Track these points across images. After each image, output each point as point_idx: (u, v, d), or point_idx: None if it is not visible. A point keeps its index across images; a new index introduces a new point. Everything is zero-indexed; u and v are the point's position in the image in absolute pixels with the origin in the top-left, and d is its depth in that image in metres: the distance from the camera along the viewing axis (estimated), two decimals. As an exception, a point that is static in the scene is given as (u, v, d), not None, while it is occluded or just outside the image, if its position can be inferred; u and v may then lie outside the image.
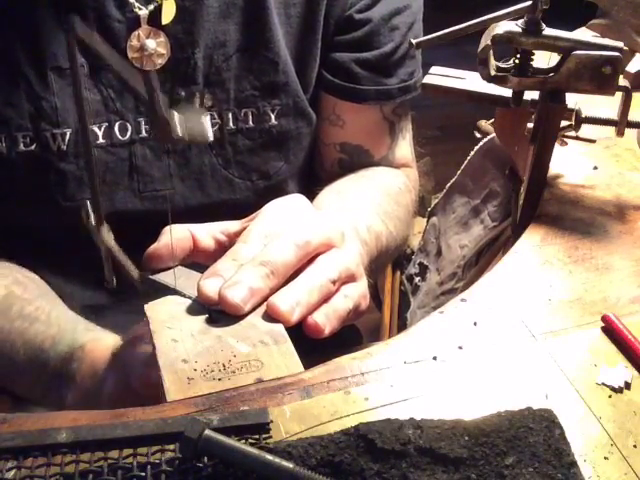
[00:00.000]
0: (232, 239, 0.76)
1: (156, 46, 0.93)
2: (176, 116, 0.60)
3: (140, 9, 0.92)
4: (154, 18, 0.93)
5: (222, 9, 0.97)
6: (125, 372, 0.75)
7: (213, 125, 0.99)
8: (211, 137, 0.64)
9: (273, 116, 1.02)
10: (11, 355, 0.88)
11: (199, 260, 0.76)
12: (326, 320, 0.69)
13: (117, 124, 0.96)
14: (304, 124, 1.06)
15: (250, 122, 1.01)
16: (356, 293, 0.75)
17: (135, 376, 0.73)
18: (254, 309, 0.68)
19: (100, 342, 0.85)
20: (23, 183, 0.95)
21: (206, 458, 0.53)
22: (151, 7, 0.93)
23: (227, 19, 0.97)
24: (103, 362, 0.81)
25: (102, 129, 0.95)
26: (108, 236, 0.69)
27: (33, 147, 0.93)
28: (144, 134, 0.97)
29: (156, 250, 0.74)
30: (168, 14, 0.93)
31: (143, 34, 0.93)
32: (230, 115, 1.00)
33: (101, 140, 0.95)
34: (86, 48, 0.89)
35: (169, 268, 0.74)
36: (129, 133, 0.96)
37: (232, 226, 0.78)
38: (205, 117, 0.63)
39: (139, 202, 0.99)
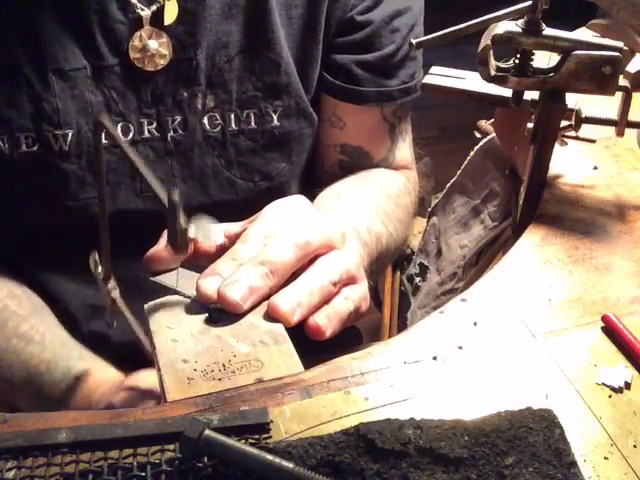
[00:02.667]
0: (233, 240, 0.76)
1: (158, 47, 0.94)
2: (192, 227, 0.64)
3: (142, 10, 0.93)
4: (156, 19, 0.93)
5: (224, 10, 0.97)
6: None
7: (216, 126, 0.99)
8: (220, 240, 0.73)
9: (275, 117, 1.02)
10: (7, 374, 0.89)
11: (200, 261, 0.76)
12: (327, 322, 0.69)
13: (119, 125, 0.96)
14: (306, 125, 1.06)
15: (252, 123, 1.01)
16: (357, 295, 0.75)
17: None
18: (253, 308, 0.68)
19: (94, 376, 0.87)
20: (25, 183, 0.95)
21: (206, 458, 0.53)
22: (153, 8, 0.93)
23: (229, 20, 0.97)
24: (97, 398, 0.83)
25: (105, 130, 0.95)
26: (115, 292, 0.71)
27: (35, 148, 0.93)
28: (146, 135, 0.97)
29: (156, 252, 0.74)
30: (170, 15, 0.94)
31: (145, 35, 0.93)
32: (232, 116, 1.00)
33: (103, 141, 0.95)
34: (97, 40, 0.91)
35: (170, 270, 0.74)
36: (132, 134, 0.97)
37: (233, 227, 0.78)
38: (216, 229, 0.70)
39: (141, 202, 0.99)
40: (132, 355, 0.83)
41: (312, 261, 0.73)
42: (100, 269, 0.71)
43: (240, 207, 0.84)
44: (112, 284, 0.71)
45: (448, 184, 1.21)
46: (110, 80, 0.94)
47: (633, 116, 0.82)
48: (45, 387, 0.87)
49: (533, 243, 0.79)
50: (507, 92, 0.86)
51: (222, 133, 1.00)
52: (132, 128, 0.97)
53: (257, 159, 1.03)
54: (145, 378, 0.82)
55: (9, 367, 0.89)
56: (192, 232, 0.64)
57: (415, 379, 0.62)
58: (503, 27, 0.78)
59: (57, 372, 0.87)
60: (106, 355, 0.93)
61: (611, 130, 0.83)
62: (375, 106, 1.09)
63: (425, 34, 0.85)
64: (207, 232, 0.68)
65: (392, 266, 1.37)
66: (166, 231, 0.75)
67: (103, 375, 0.87)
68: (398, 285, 1.34)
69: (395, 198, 1.09)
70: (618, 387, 0.62)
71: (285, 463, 0.51)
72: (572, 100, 0.81)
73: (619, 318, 0.67)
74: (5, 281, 0.97)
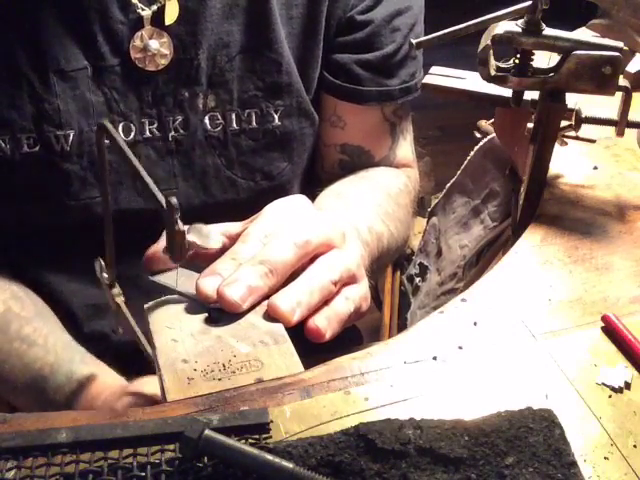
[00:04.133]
0: (233, 240, 0.76)
1: (159, 46, 0.94)
2: (190, 234, 0.66)
3: (143, 10, 0.93)
4: (157, 19, 0.93)
5: (225, 10, 0.97)
6: None
7: (217, 126, 0.99)
8: (218, 245, 0.73)
9: (276, 117, 1.02)
10: (10, 376, 0.89)
11: (200, 261, 0.76)
12: (327, 324, 0.69)
13: (121, 125, 0.96)
14: (307, 125, 1.06)
15: (253, 123, 1.01)
16: (357, 295, 0.75)
17: None
18: (252, 307, 0.68)
19: (97, 381, 0.87)
20: (27, 184, 0.95)
21: (206, 458, 0.53)
22: (154, 8, 0.93)
23: (230, 20, 0.97)
24: (100, 403, 0.83)
25: None
26: (119, 297, 0.71)
27: (37, 149, 0.93)
28: (148, 135, 0.97)
29: (156, 252, 0.74)
30: (171, 15, 0.94)
31: (146, 35, 0.93)
32: (233, 116, 1.00)
33: (105, 140, 0.95)
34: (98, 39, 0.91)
35: (169, 269, 0.74)
36: (133, 134, 0.97)
37: (233, 227, 0.78)
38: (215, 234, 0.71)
39: (142, 201, 0.99)
40: (133, 355, 0.83)
41: (312, 260, 0.73)
42: (105, 275, 0.71)
43: (241, 207, 0.84)
44: (117, 290, 0.72)
45: (448, 184, 1.21)
46: (111, 80, 0.94)
47: (633, 116, 0.82)
48: (48, 391, 0.87)
49: (533, 243, 0.79)
50: (507, 92, 0.86)
51: (223, 133, 1.00)
52: (133, 128, 0.97)
53: (258, 159, 1.03)
54: (149, 383, 0.82)
55: (12, 370, 0.89)
56: (190, 237, 0.65)
57: (415, 379, 0.62)
58: (503, 27, 0.78)
59: (60, 375, 0.87)
60: (107, 355, 0.93)
61: (611, 130, 0.83)
62: (376, 105, 1.09)
63: (425, 34, 0.85)
64: (205, 238, 0.68)
65: (392, 266, 1.37)
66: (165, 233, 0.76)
67: (106, 380, 0.87)
68: (398, 285, 1.34)
69: (396, 197, 1.09)
70: (618, 387, 0.62)
71: (285, 463, 0.51)
72: (572, 100, 0.81)
73: (619, 318, 0.67)
74: (8, 283, 0.97)
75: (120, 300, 0.72)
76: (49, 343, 0.90)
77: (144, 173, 0.62)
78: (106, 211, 0.68)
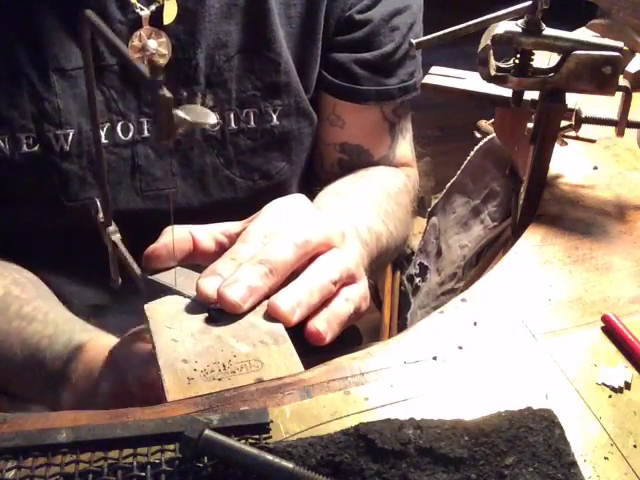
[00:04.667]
0: (232, 240, 0.76)
1: (158, 46, 0.94)
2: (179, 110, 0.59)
3: (142, 9, 0.93)
4: (156, 18, 0.93)
5: (223, 10, 0.97)
6: (122, 372, 0.75)
7: (215, 125, 0.99)
8: (213, 120, 0.61)
9: (275, 116, 1.02)
10: (9, 355, 0.88)
11: (199, 261, 0.76)
12: (327, 327, 0.69)
13: (119, 124, 0.96)
14: (306, 124, 1.06)
15: (252, 122, 1.01)
16: (357, 295, 0.74)
17: (132, 376, 0.73)
18: (253, 308, 0.68)
19: (96, 342, 0.85)
20: (26, 183, 0.95)
21: (206, 458, 0.53)
22: (153, 7, 0.93)
23: (229, 19, 0.97)
24: (99, 362, 0.81)
25: (104, 129, 0.95)
26: (115, 235, 0.70)
27: (36, 148, 0.93)
28: (146, 134, 0.97)
29: (155, 250, 0.74)
30: (170, 14, 0.94)
31: (145, 34, 0.93)
32: (232, 115, 1.00)
33: (103, 140, 0.95)
34: (97, 39, 0.90)
35: (169, 268, 0.74)
36: (131, 133, 0.97)
37: (232, 227, 0.78)
38: (211, 115, 0.61)
39: (141, 201, 0.99)
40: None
41: (312, 260, 0.73)
42: (101, 214, 0.70)
43: (240, 206, 0.84)
44: (113, 228, 0.70)
45: (448, 184, 1.21)
46: (110, 79, 0.95)
47: (633, 116, 0.82)
48: (46, 362, 0.85)
49: (533, 243, 0.79)
50: (507, 92, 0.86)
51: (222, 132, 1.00)
52: (132, 127, 0.97)
53: (257, 158, 1.03)
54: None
55: (10, 348, 0.88)
56: (181, 113, 0.58)
57: (415, 379, 0.62)
58: (503, 27, 0.78)
59: (59, 345, 0.85)
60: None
61: (611, 130, 0.83)
62: (374, 105, 1.09)
63: (425, 34, 0.85)
64: (199, 115, 0.60)
65: (392, 266, 1.37)
66: (166, 228, 0.75)
67: (104, 342, 0.85)
68: (398, 285, 1.34)
69: (395, 197, 1.09)
70: (618, 387, 0.62)
71: (285, 463, 0.51)
72: (572, 100, 0.81)
73: (619, 318, 0.67)
74: (10, 270, 0.96)
75: (117, 238, 0.71)
76: (49, 317, 0.89)
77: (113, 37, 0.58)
78: (96, 140, 0.66)
